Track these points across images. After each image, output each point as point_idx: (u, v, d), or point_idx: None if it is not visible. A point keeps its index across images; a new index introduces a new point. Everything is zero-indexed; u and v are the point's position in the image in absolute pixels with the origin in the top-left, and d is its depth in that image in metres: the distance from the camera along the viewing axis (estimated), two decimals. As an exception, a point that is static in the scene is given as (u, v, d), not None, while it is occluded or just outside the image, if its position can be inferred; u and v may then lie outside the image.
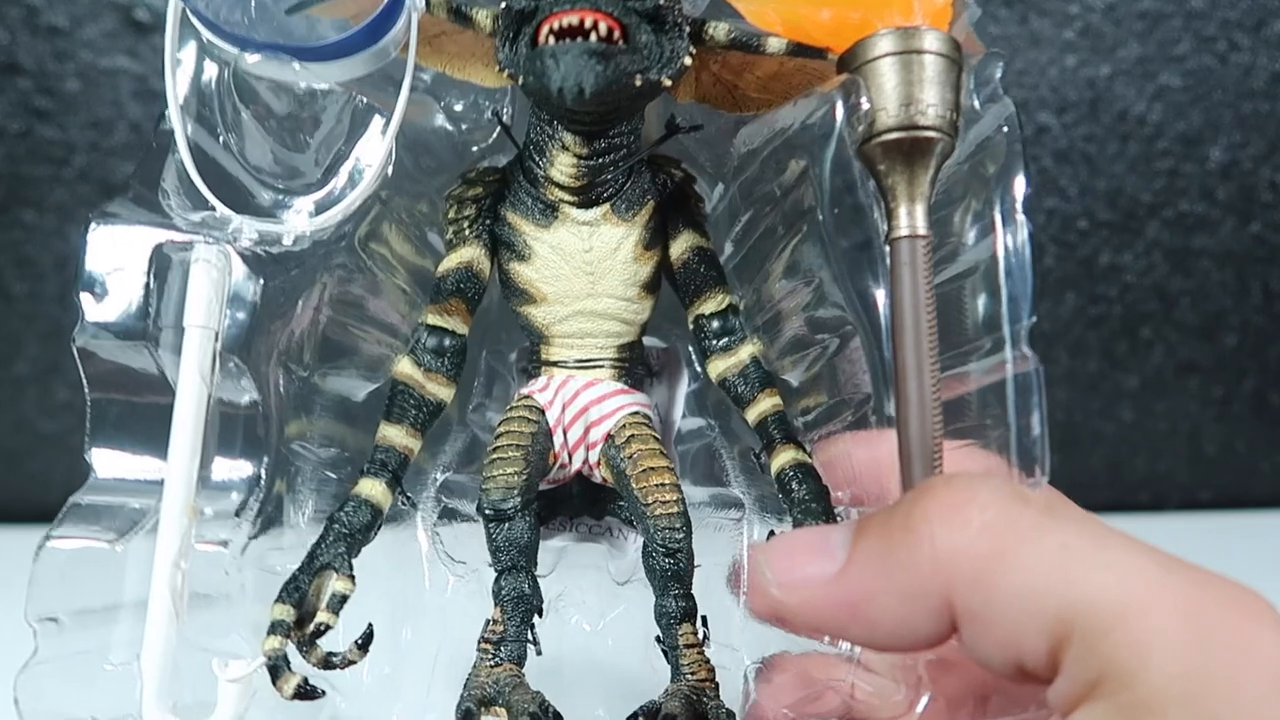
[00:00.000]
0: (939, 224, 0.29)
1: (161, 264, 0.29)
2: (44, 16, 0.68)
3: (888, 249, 0.28)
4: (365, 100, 0.31)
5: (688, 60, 0.28)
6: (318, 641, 0.29)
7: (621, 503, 0.34)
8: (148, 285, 0.29)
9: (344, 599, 0.29)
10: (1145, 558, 0.23)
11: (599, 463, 0.32)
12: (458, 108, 0.34)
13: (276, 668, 0.28)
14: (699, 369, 0.36)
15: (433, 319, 0.32)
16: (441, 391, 0.32)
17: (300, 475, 0.33)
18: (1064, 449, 0.75)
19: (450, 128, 0.34)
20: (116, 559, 0.28)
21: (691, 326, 0.33)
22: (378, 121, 0.31)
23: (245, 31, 0.29)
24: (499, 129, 0.33)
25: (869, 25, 0.28)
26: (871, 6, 0.28)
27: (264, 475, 0.31)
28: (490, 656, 0.30)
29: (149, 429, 0.29)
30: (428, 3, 0.30)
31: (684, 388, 0.36)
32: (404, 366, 0.32)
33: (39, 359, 0.72)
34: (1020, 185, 0.28)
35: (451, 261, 0.32)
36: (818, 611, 0.25)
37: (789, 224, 0.31)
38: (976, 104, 0.29)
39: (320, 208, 0.31)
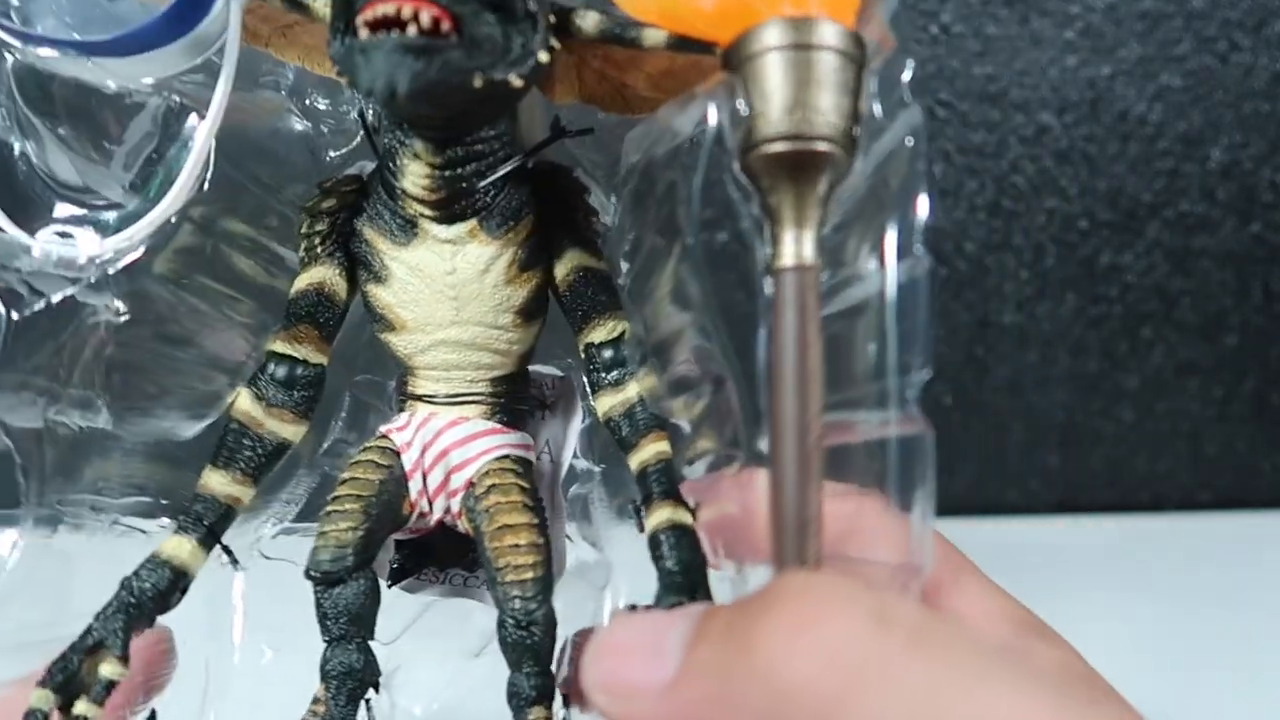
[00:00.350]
0: (833, 250, 0.24)
1: None
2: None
3: (771, 280, 0.23)
4: (180, 101, 0.27)
5: (544, 57, 0.24)
6: None
7: None
8: None
9: (111, 686, 0.25)
10: (1035, 699, 0.18)
11: (460, 512, 0.28)
12: (321, 106, 0.30)
13: None
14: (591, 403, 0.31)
15: (280, 346, 0.28)
16: (284, 430, 0.28)
17: (82, 532, 0.28)
18: (1064, 449, 0.75)
19: (311, 130, 0.31)
20: None
21: (582, 355, 0.29)
22: (198, 126, 0.26)
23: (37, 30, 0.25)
24: (362, 132, 0.29)
25: (756, 14, 0.23)
26: None
27: (17, 540, 0.27)
28: None
29: None
30: None
31: (578, 423, 0.32)
32: (242, 402, 0.28)
33: (39, 359, 0.72)
34: (922, 208, 0.23)
35: (302, 282, 0.28)
36: None
37: (667, 242, 0.27)
38: (879, 111, 0.24)
39: (120, 224, 0.26)
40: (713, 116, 0.24)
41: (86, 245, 0.26)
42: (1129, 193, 0.71)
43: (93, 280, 0.26)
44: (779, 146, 0.23)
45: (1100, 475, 0.76)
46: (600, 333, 0.28)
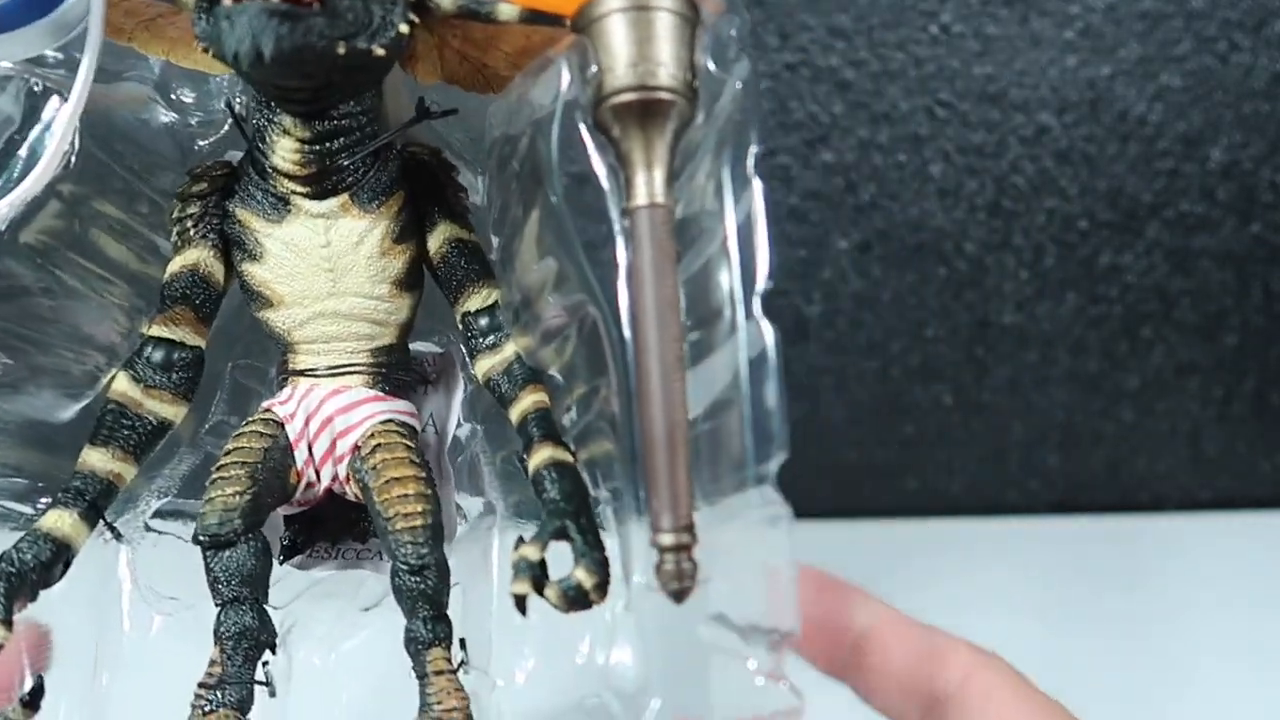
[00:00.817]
0: (686, 199, 0.27)
1: None
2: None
3: (627, 219, 0.26)
4: (42, 84, 0.27)
5: (404, 28, 0.25)
6: None
7: None
8: None
9: None
10: None
11: (348, 477, 0.29)
12: (188, 99, 0.31)
13: None
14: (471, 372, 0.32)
15: (156, 330, 0.29)
16: (164, 410, 0.29)
17: None
18: (1064, 449, 0.75)
19: (177, 121, 0.31)
20: None
21: (460, 325, 0.30)
22: (59, 107, 0.26)
23: None
24: (230, 121, 0.30)
25: None
26: None
27: None
28: (205, 703, 0.26)
29: None
30: None
31: (460, 394, 0.33)
32: (120, 384, 0.29)
33: (39, 359, 0.72)
34: (751, 145, 0.26)
35: (176, 265, 0.29)
36: None
37: (527, 203, 0.28)
38: (711, 66, 0.26)
39: None
40: (565, 75, 0.26)
41: None
42: (1129, 193, 0.71)
43: None
44: (627, 97, 0.25)
45: (1100, 475, 0.76)
46: (475, 300, 0.29)
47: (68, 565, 0.27)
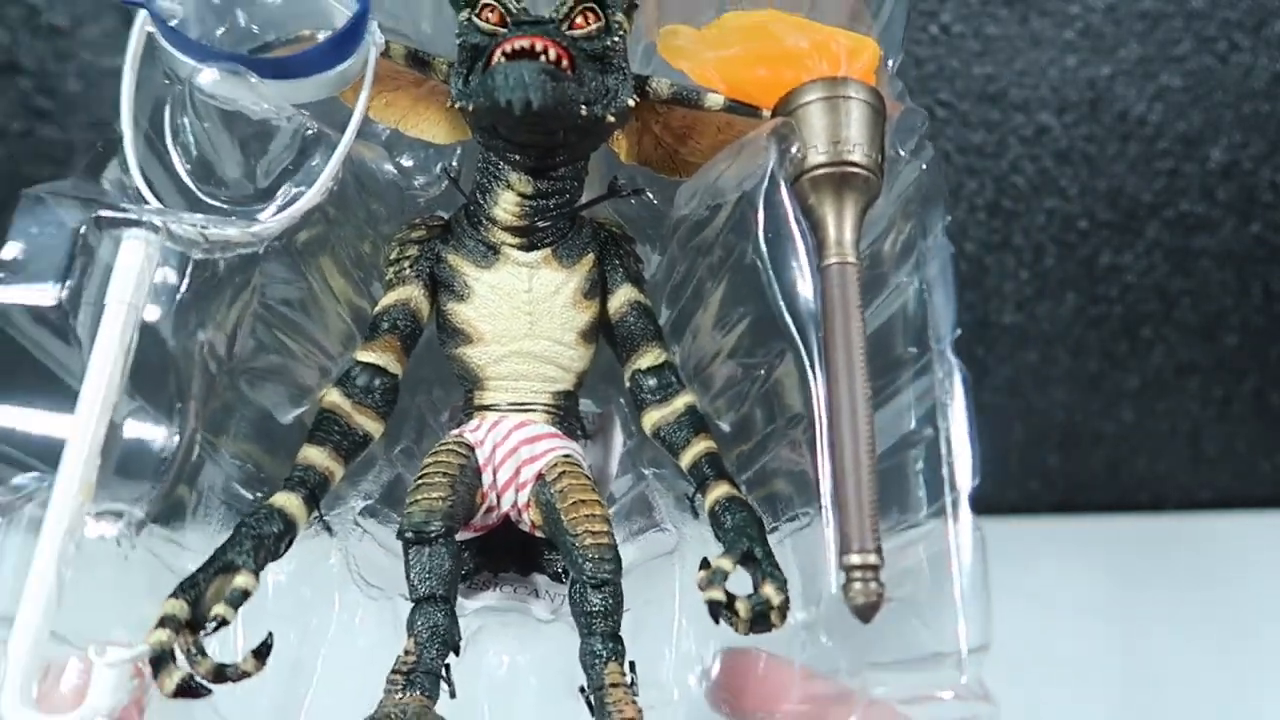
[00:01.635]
0: (873, 260, 0.31)
1: (90, 241, 0.28)
2: (45, 16, 0.68)
3: (819, 276, 0.30)
4: (315, 129, 0.32)
5: (630, 101, 0.30)
6: (208, 654, 0.26)
7: (550, 556, 0.33)
8: (70, 262, 0.28)
9: (245, 594, 0.27)
10: None
11: (529, 504, 0.31)
12: (407, 164, 0.36)
13: (160, 660, 0.25)
14: (633, 428, 0.35)
15: (365, 356, 0.32)
16: (369, 424, 0.32)
17: (211, 479, 0.31)
18: (1064, 449, 0.75)
19: (400, 180, 0.35)
20: None
21: (628, 383, 0.33)
22: (325, 152, 0.31)
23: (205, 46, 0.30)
24: (445, 184, 0.34)
25: (797, 81, 0.31)
26: (803, 66, 0.31)
27: (177, 459, 0.30)
28: (399, 688, 0.28)
29: (52, 400, 0.27)
30: (387, 47, 0.32)
31: (619, 448, 0.36)
32: (333, 396, 0.32)
33: (40, 359, 0.72)
34: (940, 215, 0.30)
35: (389, 299, 0.32)
36: None
37: (717, 272, 0.33)
38: (901, 152, 0.31)
39: (265, 213, 0.31)
40: (773, 152, 0.30)
41: (246, 226, 0.30)
42: (1129, 193, 0.71)
43: (256, 251, 0.31)
44: (825, 170, 0.30)
45: (1100, 475, 0.76)
46: (647, 359, 0.32)
47: (291, 542, 0.29)
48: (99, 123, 0.69)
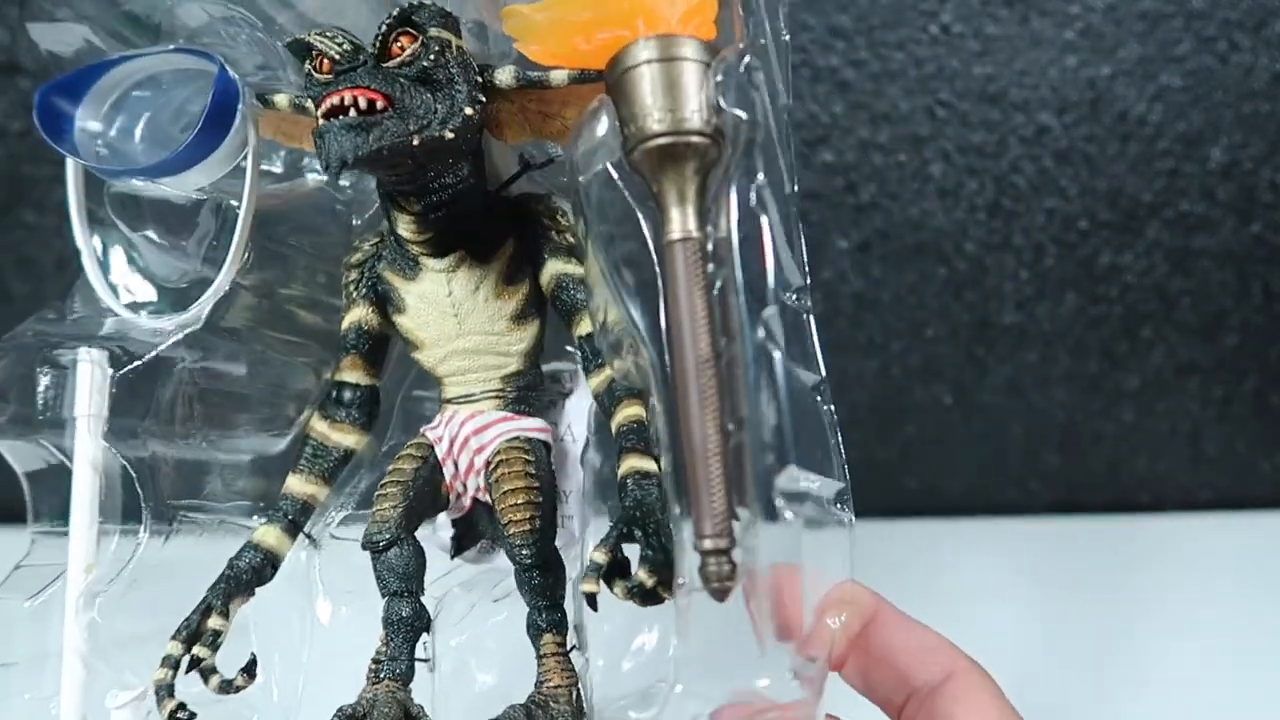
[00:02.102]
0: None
1: (52, 367, 0.34)
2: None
3: (661, 254, 0.29)
4: (233, 203, 0.35)
5: (469, 111, 0.30)
6: (215, 671, 0.32)
7: None
8: (47, 387, 0.34)
9: (217, 634, 0.32)
10: None
11: (486, 488, 0.34)
12: (344, 183, 0.39)
13: (159, 695, 0.31)
14: None
15: (336, 375, 0.36)
16: (347, 440, 0.36)
17: (201, 527, 0.37)
18: (1064, 449, 0.75)
19: (340, 207, 0.38)
20: (38, 612, 0.34)
21: (576, 348, 0.34)
22: (238, 218, 0.35)
23: (121, 162, 0.34)
24: (379, 202, 0.35)
25: (624, 41, 0.29)
26: (627, 19, 0.29)
27: (142, 534, 0.35)
28: (373, 675, 0.32)
29: (59, 505, 0.34)
30: (268, 103, 0.34)
31: (583, 403, 0.37)
32: (314, 421, 0.36)
33: (39, 359, 0.72)
34: (768, 160, 0.28)
35: (345, 322, 0.36)
36: None
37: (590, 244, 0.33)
38: (723, 104, 0.29)
39: (192, 298, 0.35)
40: (602, 127, 0.29)
41: (172, 317, 0.35)
42: (1129, 193, 0.71)
43: (175, 340, 0.35)
44: (660, 141, 0.28)
45: (1100, 475, 0.76)
46: (584, 326, 0.33)
47: (275, 568, 0.34)
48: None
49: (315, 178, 0.38)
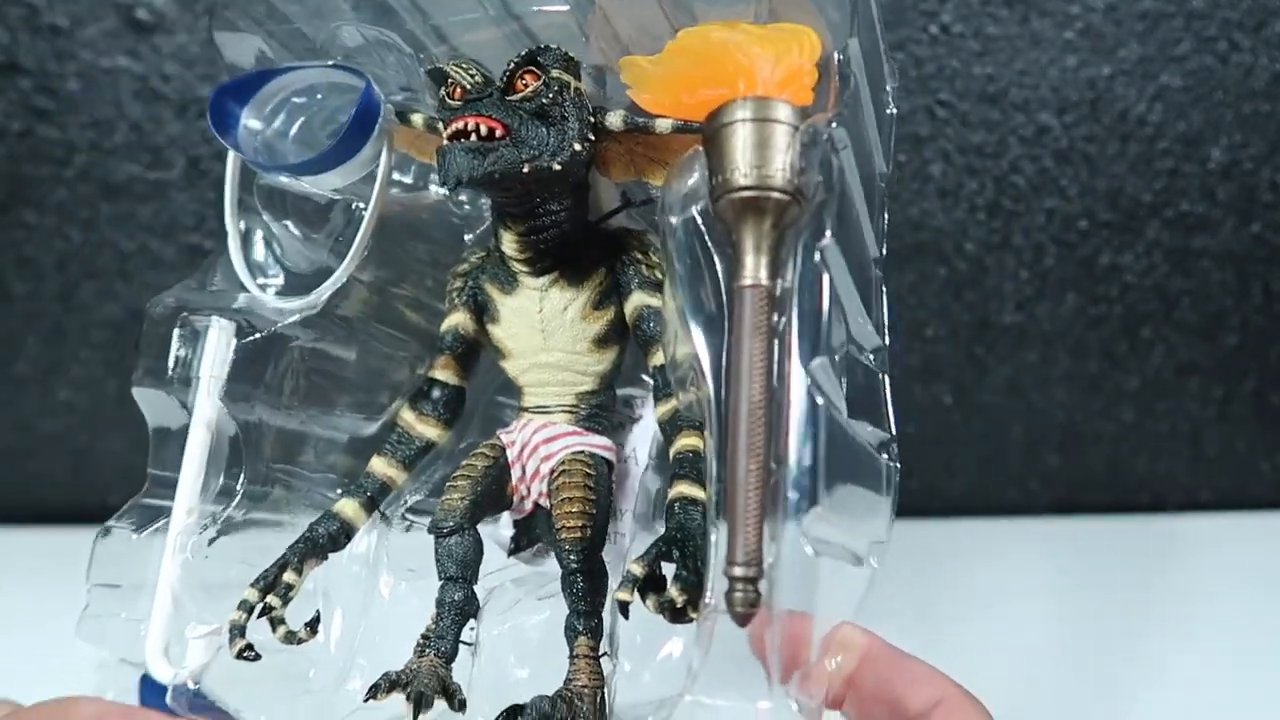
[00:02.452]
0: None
1: (188, 330, 0.39)
2: (44, 16, 0.68)
3: (732, 297, 0.31)
4: (361, 206, 0.40)
5: (578, 147, 0.34)
6: (283, 622, 0.35)
7: None
8: (180, 346, 0.38)
9: (290, 589, 0.36)
10: None
11: (546, 494, 0.36)
12: (463, 197, 0.43)
13: (231, 634, 0.35)
14: None
15: (430, 373, 0.39)
16: (430, 432, 0.39)
17: (291, 492, 0.40)
18: (1064, 449, 0.75)
19: (457, 219, 0.42)
20: (143, 544, 0.38)
21: (651, 377, 0.37)
22: (363, 220, 0.39)
23: (274, 158, 0.39)
24: (490, 220, 0.39)
25: (727, 98, 0.31)
26: (729, 80, 0.32)
27: (240, 490, 0.39)
28: (420, 650, 0.34)
29: (176, 453, 0.38)
30: (405, 119, 0.38)
31: (649, 430, 0.40)
32: (402, 411, 0.39)
33: (39, 359, 0.72)
34: (830, 220, 0.31)
35: (445, 325, 0.39)
36: None
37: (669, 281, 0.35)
38: (804, 165, 0.31)
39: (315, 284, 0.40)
40: (694, 175, 0.32)
41: (295, 300, 0.40)
42: (1129, 193, 0.71)
43: (294, 320, 0.39)
44: (745, 194, 0.30)
45: (1100, 475, 0.76)
46: (659, 358, 0.36)
47: (349, 538, 0.37)
48: (98, 122, 0.69)
49: (438, 191, 0.43)
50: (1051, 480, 0.76)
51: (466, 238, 0.43)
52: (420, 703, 0.32)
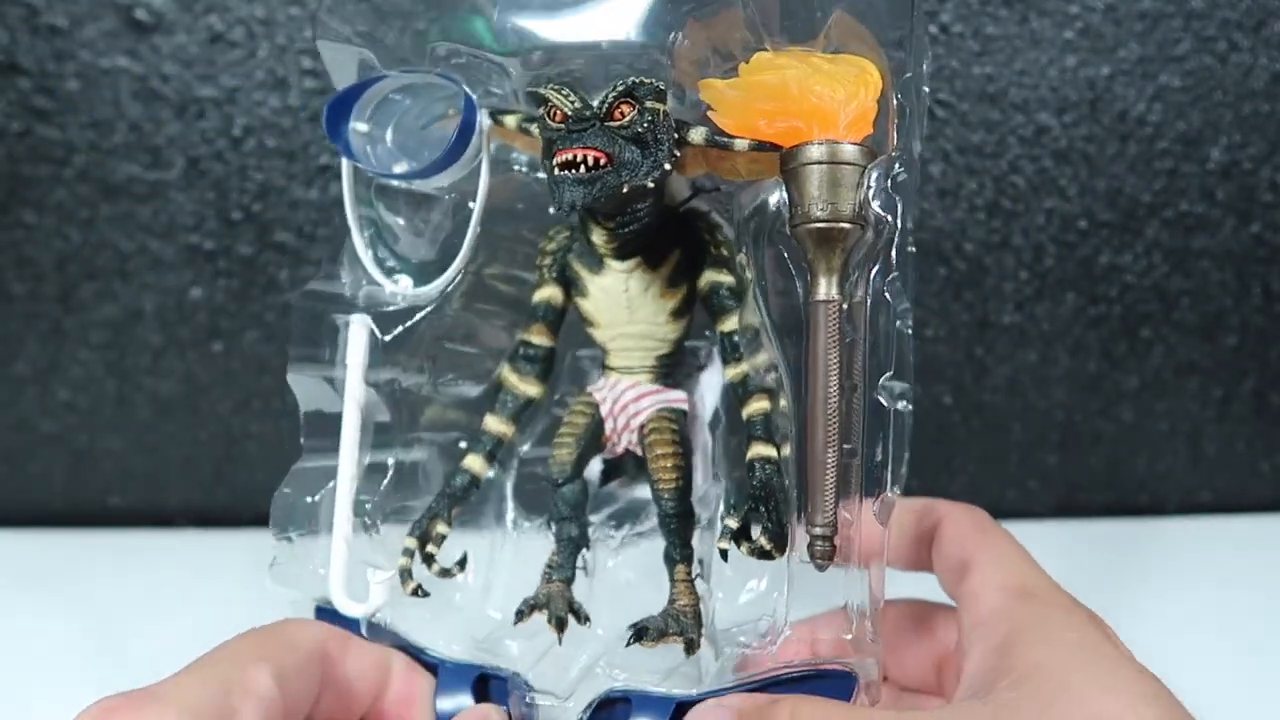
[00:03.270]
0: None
1: (332, 325, 0.45)
2: (44, 16, 0.68)
3: (808, 309, 0.38)
4: (459, 197, 0.47)
5: (668, 166, 0.39)
6: (436, 561, 0.44)
7: None
8: (327, 339, 0.45)
9: (443, 537, 0.44)
10: None
11: (636, 444, 0.43)
12: (543, 176, 0.46)
13: (402, 577, 0.43)
14: None
15: (525, 336, 0.45)
16: (530, 389, 0.45)
17: (429, 454, 0.47)
18: (1064, 449, 0.75)
19: (539, 196, 0.47)
20: (314, 505, 0.45)
21: (719, 342, 0.43)
22: (471, 216, 0.45)
23: (382, 165, 0.45)
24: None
25: (803, 133, 0.37)
26: (804, 117, 0.37)
27: (393, 457, 0.46)
28: (546, 577, 0.42)
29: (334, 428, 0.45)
30: (498, 120, 0.43)
31: (716, 380, 0.46)
32: (504, 372, 0.45)
33: (39, 359, 0.72)
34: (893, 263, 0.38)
35: (537, 296, 0.45)
36: None
37: (754, 267, 0.42)
38: (876, 208, 0.38)
39: (428, 278, 0.46)
40: (774, 199, 0.40)
41: (417, 289, 0.46)
42: (1129, 193, 0.71)
43: (421, 305, 0.45)
44: (819, 225, 0.37)
45: (1100, 476, 0.76)
46: (727, 325, 0.42)
47: (478, 487, 0.45)
48: (98, 123, 0.69)
49: (521, 171, 0.48)
50: (1051, 480, 0.76)
51: (551, 211, 0.47)
52: (562, 624, 0.40)
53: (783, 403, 0.41)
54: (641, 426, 0.43)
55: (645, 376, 0.44)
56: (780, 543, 0.39)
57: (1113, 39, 0.69)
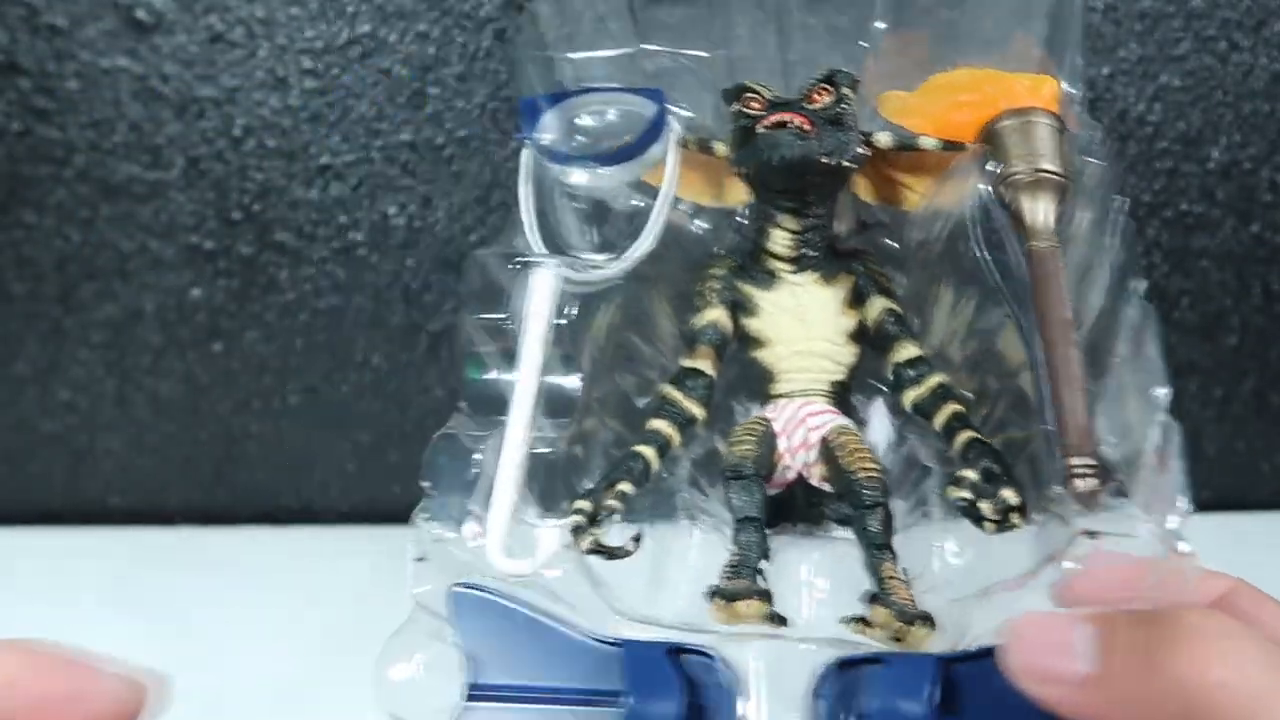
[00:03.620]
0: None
1: (516, 277, 0.43)
2: (44, 16, 0.68)
3: (1027, 258, 0.39)
4: (643, 203, 0.45)
5: (860, 150, 0.40)
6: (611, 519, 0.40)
7: (835, 505, 0.41)
8: (509, 291, 0.43)
9: (624, 495, 0.40)
10: None
11: (816, 462, 0.40)
12: (703, 221, 0.47)
13: (577, 532, 0.39)
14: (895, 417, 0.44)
15: (688, 362, 0.43)
16: (694, 409, 0.42)
17: (594, 443, 0.45)
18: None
19: (699, 233, 0.47)
20: (477, 460, 0.42)
21: (890, 375, 0.42)
22: (648, 215, 0.45)
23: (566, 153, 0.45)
24: (730, 233, 0.45)
25: (999, 108, 0.40)
26: (995, 106, 0.40)
27: (570, 431, 0.44)
28: (731, 575, 0.38)
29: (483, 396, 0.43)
30: (684, 140, 0.44)
31: (887, 428, 0.43)
32: (668, 390, 0.42)
33: (39, 359, 0.72)
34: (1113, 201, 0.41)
35: (702, 319, 0.43)
36: (1063, 706, 0.28)
37: (943, 274, 0.42)
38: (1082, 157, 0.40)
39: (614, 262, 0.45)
40: (974, 171, 0.40)
41: (603, 270, 0.44)
42: (1128, 193, 0.71)
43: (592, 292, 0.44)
44: (1023, 176, 0.39)
45: (1100, 475, 0.76)
46: (903, 354, 0.41)
47: (649, 479, 0.41)
48: (98, 123, 0.69)
49: (694, 225, 0.47)
50: (1049, 480, 0.76)
51: (716, 250, 0.48)
52: (776, 618, 0.36)
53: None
54: (824, 439, 0.40)
55: (821, 400, 0.41)
56: (1024, 500, 0.37)
57: (1113, 39, 0.69)
